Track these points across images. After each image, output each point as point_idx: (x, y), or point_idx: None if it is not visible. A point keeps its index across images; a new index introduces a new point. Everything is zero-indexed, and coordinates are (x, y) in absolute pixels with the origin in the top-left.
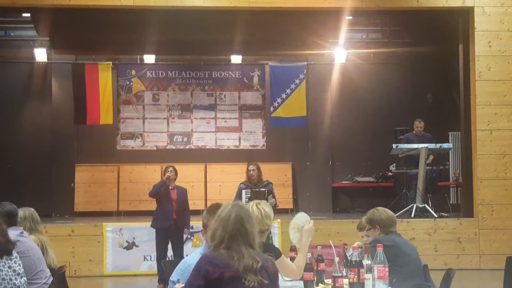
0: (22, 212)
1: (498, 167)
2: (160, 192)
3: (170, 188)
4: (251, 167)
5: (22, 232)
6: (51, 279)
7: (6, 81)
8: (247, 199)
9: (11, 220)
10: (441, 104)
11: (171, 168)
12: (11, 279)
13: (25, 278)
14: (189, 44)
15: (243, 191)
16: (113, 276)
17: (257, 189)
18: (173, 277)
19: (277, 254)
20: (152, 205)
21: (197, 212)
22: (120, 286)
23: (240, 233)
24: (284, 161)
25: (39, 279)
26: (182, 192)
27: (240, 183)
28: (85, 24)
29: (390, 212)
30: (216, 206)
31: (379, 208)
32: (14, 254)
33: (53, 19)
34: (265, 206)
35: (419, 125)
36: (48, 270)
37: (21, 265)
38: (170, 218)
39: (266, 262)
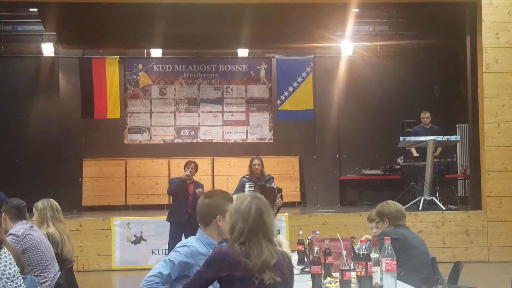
0: (41, 203)
1: (506, 159)
2: (178, 189)
3: (188, 182)
4: (256, 161)
5: (31, 226)
6: (60, 273)
7: (14, 75)
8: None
9: (20, 213)
10: (449, 97)
11: (192, 165)
12: (5, 270)
13: (17, 267)
14: (196, 38)
15: (247, 185)
16: (121, 270)
17: (266, 185)
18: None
19: None
20: (159, 199)
21: None
22: (128, 280)
23: (260, 227)
24: (291, 154)
25: (48, 273)
26: (199, 188)
27: (242, 177)
28: (92, 19)
29: (399, 205)
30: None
31: (388, 201)
32: (2, 249)
33: (60, 14)
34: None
35: (425, 116)
36: (57, 264)
37: (10, 255)
38: (186, 212)
39: (282, 258)
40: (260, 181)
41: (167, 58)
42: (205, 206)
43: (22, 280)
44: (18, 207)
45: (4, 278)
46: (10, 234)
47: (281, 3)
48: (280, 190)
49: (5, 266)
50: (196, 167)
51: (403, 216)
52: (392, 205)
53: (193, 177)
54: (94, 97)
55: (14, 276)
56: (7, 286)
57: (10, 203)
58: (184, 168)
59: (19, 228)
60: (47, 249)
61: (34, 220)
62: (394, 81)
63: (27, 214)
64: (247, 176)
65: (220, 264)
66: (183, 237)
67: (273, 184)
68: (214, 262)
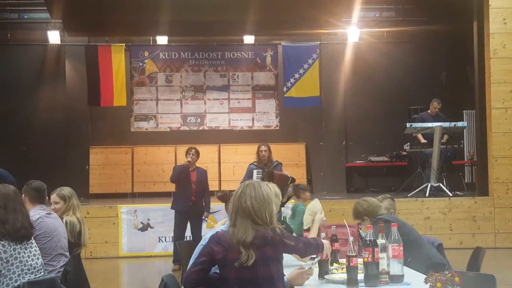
0: (65, 191)
1: None
2: (180, 176)
3: (190, 169)
4: (263, 147)
5: (49, 213)
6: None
7: (20, 64)
8: (258, 179)
9: (40, 195)
10: (456, 83)
11: (193, 151)
12: (27, 261)
13: (41, 260)
14: (202, 25)
15: (255, 171)
16: (129, 257)
17: (274, 171)
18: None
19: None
20: (166, 187)
21: (210, 194)
22: (135, 267)
23: (242, 209)
24: (298, 141)
25: (56, 262)
26: (202, 174)
27: (250, 164)
28: (98, 6)
29: (370, 199)
30: None
31: (359, 200)
32: (30, 241)
33: (66, 1)
34: (274, 186)
35: (437, 106)
36: (68, 254)
37: (37, 247)
38: (189, 200)
39: (274, 236)
40: (267, 167)
41: (173, 46)
42: None
43: (44, 274)
44: (39, 189)
45: (25, 269)
46: None
47: None
48: (293, 180)
49: (28, 257)
50: (198, 153)
51: (378, 207)
52: (362, 202)
53: (195, 163)
54: (100, 85)
55: (35, 268)
56: (27, 277)
57: (30, 185)
58: (186, 155)
59: (35, 213)
60: (60, 239)
61: (59, 209)
62: (400, 68)
63: (46, 198)
64: (254, 163)
65: (215, 247)
66: (188, 224)
67: (281, 169)
68: (208, 246)
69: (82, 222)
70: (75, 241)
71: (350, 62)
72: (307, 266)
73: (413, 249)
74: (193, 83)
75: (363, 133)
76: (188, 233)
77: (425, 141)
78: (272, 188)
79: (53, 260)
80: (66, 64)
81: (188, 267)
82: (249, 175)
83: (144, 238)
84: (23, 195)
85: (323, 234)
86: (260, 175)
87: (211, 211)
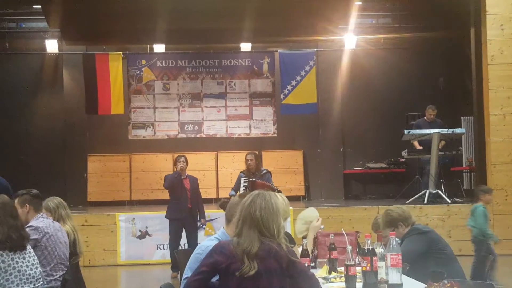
0: (51, 202)
1: None
2: (174, 183)
3: (182, 177)
4: (248, 156)
5: (52, 222)
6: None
7: (18, 72)
8: (244, 188)
9: (41, 202)
10: (453, 89)
11: (183, 158)
12: (26, 270)
13: (40, 269)
14: (199, 33)
15: (242, 180)
16: (127, 265)
17: (257, 180)
18: (190, 267)
19: (291, 242)
20: (164, 194)
21: (208, 201)
22: (133, 275)
23: (251, 219)
24: (295, 148)
25: (56, 272)
26: (194, 181)
27: (240, 172)
28: (95, 15)
29: (401, 206)
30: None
31: (390, 207)
32: (28, 248)
33: (63, 10)
34: (283, 195)
35: (432, 112)
36: (67, 263)
37: (36, 256)
38: (186, 207)
39: (279, 249)
40: (255, 176)
41: (170, 54)
42: (233, 204)
43: (44, 283)
44: (39, 197)
45: (24, 279)
46: (29, 226)
47: None
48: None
49: (27, 266)
50: (187, 160)
51: (410, 213)
52: (395, 209)
53: (186, 171)
54: (98, 93)
55: (33, 277)
56: (25, 286)
57: (31, 193)
58: (176, 164)
59: (38, 221)
60: (61, 249)
61: None
62: (397, 74)
63: (52, 210)
64: (244, 171)
65: (218, 257)
66: (183, 232)
67: (269, 178)
68: (211, 255)
69: (75, 231)
70: (71, 250)
71: (347, 69)
72: None
73: (449, 265)
74: (190, 90)
75: (360, 139)
76: (183, 241)
77: (421, 147)
78: (281, 198)
79: (52, 270)
80: (64, 72)
81: (184, 275)
82: (237, 183)
83: (142, 246)
84: (26, 205)
85: (304, 241)
86: (246, 184)
87: (207, 218)
